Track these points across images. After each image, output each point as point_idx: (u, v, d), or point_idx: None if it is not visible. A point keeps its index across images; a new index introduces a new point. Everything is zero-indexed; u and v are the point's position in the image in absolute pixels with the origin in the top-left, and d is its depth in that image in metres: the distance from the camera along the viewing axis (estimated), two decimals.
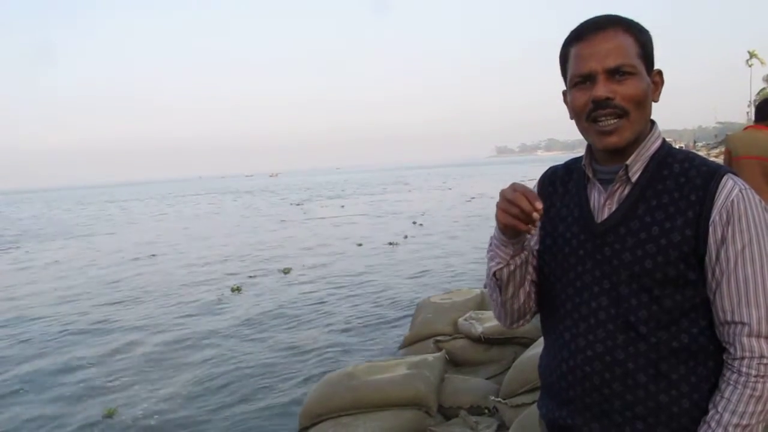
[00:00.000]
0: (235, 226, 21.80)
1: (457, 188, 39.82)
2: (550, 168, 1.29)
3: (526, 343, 3.95)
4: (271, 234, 18.49)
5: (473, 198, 28.76)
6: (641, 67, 1.07)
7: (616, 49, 1.05)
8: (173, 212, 33.21)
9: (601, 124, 1.07)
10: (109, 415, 4.76)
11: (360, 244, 14.21)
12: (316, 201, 35.70)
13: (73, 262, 14.35)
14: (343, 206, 29.38)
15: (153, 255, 14.49)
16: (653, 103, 1.12)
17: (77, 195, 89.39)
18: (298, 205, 32.87)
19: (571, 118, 1.15)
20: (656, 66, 1.13)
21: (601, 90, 1.05)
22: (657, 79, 1.12)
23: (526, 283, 1.21)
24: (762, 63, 74.37)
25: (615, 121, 1.06)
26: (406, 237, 15.08)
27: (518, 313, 1.25)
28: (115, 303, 9.23)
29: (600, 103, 1.06)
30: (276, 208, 30.72)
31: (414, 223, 18.75)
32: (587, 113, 1.08)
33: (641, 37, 1.08)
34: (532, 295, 1.24)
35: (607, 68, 1.05)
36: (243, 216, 27.10)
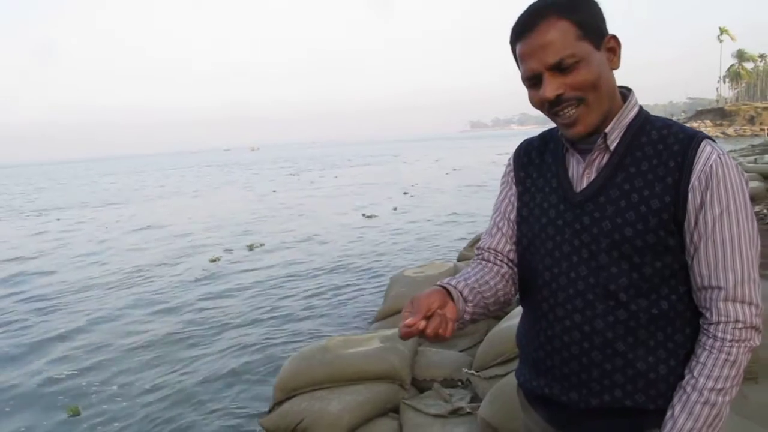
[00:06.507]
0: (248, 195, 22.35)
1: (442, 161, 40.30)
2: (524, 140, 1.29)
3: (499, 315, 3.96)
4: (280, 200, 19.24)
5: (455, 170, 29.06)
6: (586, 48, 1.02)
7: (552, 43, 1.01)
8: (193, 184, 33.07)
9: (561, 116, 1.06)
10: (75, 413, 4.38)
11: (363, 214, 14.31)
12: (309, 172, 36.65)
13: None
14: (336, 177, 29.94)
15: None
16: (615, 70, 1.08)
17: (41, 171, 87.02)
18: (294, 175, 34.15)
19: None
20: (622, 40, 1.08)
21: (548, 90, 1.04)
22: (612, 45, 1.06)
23: (490, 294, 1.17)
24: (733, 39, 75.43)
25: (574, 110, 1.05)
26: (395, 209, 15.09)
27: (503, 303, 1.22)
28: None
29: (552, 102, 1.05)
30: (278, 180, 31.36)
31: (405, 193, 18.80)
32: (546, 110, 1.08)
33: (578, 17, 1.02)
34: (513, 281, 1.22)
35: (548, 66, 1.02)
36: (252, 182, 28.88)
